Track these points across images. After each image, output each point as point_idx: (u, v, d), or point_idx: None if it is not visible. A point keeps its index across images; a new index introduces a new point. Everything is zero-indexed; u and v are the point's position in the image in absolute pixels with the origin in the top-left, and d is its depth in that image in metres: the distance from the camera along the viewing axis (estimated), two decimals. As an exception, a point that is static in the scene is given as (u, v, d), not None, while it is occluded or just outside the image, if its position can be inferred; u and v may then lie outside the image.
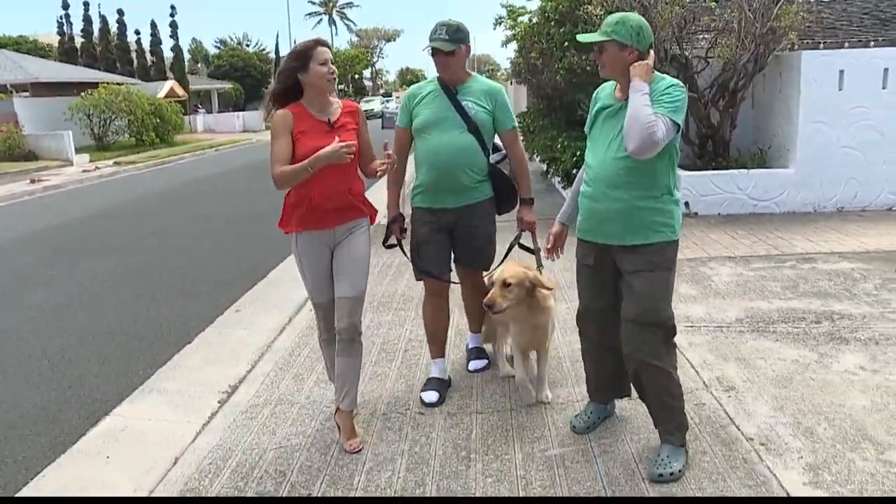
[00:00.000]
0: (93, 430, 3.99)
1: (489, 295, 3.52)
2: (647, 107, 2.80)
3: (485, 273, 4.01)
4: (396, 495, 3.05)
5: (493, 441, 3.46)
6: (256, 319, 5.78)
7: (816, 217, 8.30)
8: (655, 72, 2.96)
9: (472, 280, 4.07)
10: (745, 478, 2.97)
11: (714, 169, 8.72)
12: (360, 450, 3.46)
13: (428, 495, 3.02)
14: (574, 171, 8.75)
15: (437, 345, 4.12)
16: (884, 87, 8.33)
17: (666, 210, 3.00)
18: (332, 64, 3.38)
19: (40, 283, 7.45)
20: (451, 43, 3.62)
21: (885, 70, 8.29)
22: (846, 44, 14.88)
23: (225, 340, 5.37)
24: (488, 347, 4.45)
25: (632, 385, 3.27)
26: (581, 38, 3.18)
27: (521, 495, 2.97)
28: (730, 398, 3.74)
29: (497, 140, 3.91)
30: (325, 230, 3.42)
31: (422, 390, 4.03)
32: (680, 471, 3.01)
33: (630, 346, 3.05)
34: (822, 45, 14.56)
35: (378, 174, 3.45)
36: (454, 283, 4.02)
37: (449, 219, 3.80)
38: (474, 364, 4.31)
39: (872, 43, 15.12)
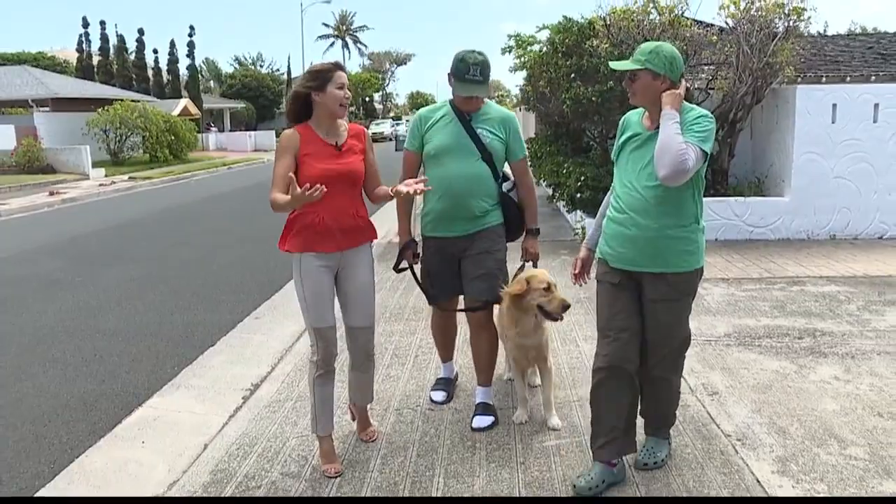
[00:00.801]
0: (127, 419, 4.35)
1: (563, 299, 3.52)
2: (678, 135, 2.83)
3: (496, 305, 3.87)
4: (409, 477, 3.39)
5: (496, 433, 3.80)
6: (275, 326, 6.14)
7: (810, 244, 8.67)
8: (684, 101, 3.00)
9: (476, 319, 3.88)
10: (721, 467, 3.32)
11: (713, 196, 9.10)
12: (376, 439, 3.76)
13: (437, 477, 3.37)
14: (578, 195, 9.15)
15: (447, 350, 4.32)
16: (874, 122, 8.73)
17: (693, 239, 3.03)
18: (348, 90, 3.37)
19: (69, 288, 7.85)
20: (486, 83, 3.64)
21: (876, 105, 8.70)
22: (848, 77, 15.34)
23: (246, 344, 5.74)
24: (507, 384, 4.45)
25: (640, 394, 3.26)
26: (615, 65, 3.19)
27: (520, 477, 3.32)
28: (712, 401, 4.09)
29: (506, 168, 3.92)
30: (330, 252, 3.37)
31: (431, 389, 4.33)
32: (663, 459, 3.33)
33: (650, 366, 3.18)
34: (824, 79, 15.02)
35: (411, 193, 3.27)
36: (462, 310, 3.98)
37: (460, 246, 3.78)
38: (479, 421, 3.87)
39: (873, 77, 15.57)
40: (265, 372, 5.01)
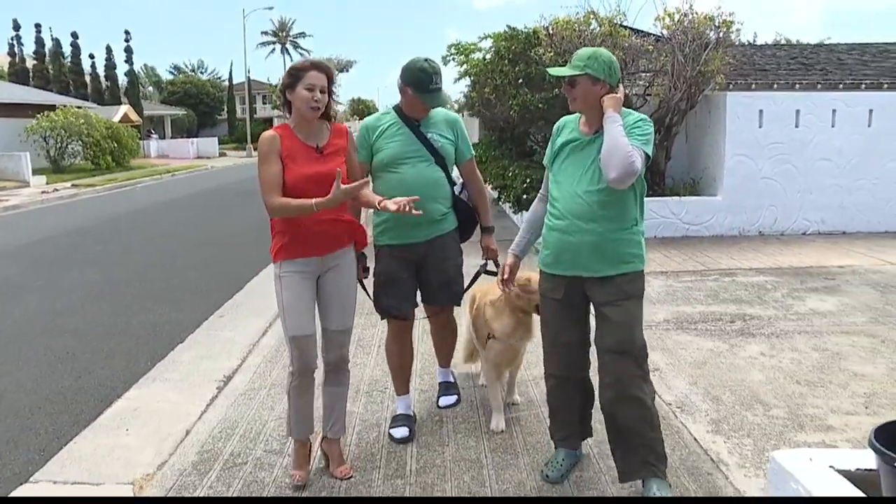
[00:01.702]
0: (109, 410, 4.56)
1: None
2: (624, 137, 2.83)
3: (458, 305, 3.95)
4: (384, 448, 3.73)
5: (461, 409, 4.17)
6: (240, 323, 6.38)
7: (741, 240, 9.31)
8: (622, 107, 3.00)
9: (439, 320, 4.05)
10: (664, 429, 3.71)
11: (651, 196, 9.66)
12: (352, 476, 3.44)
13: (410, 447, 3.71)
14: (524, 196, 9.60)
15: (403, 381, 4.05)
16: (796, 126, 9.44)
17: (636, 241, 3.05)
18: (323, 93, 3.17)
19: (30, 291, 7.91)
20: (443, 90, 3.66)
21: (797, 111, 9.41)
22: (775, 85, 16.22)
23: (214, 340, 5.98)
24: (468, 367, 4.62)
25: (606, 426, 3.18)
26: (553, 71, 3.17)
27: (485, 444, 3.69)
28: (654, 376, 4.47)
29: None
30: (313, 258, 3.28)
31: (390, 427, 3.95)
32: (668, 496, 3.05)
33: (609, 377, 3.06)
34: (753, 86, 15.87)
35: (390, 209, 3.17)
36: (419, 318, 3.97)
37: (418, 252, 3.74)
38: (445, 399, 4.24)
39: (797, 85, 16.50)
40: (236, 364, 5.27)
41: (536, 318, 3.53)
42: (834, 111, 9.52)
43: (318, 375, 3.50)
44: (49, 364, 5.50)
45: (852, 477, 2.54)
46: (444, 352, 4.27)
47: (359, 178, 3.35)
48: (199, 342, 5.95)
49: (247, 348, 5.63)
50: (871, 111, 9.53)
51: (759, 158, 9.48)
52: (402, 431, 3.86)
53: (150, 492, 3.45)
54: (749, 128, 9.43)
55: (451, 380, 4.35)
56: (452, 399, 4.22)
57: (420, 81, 3.57)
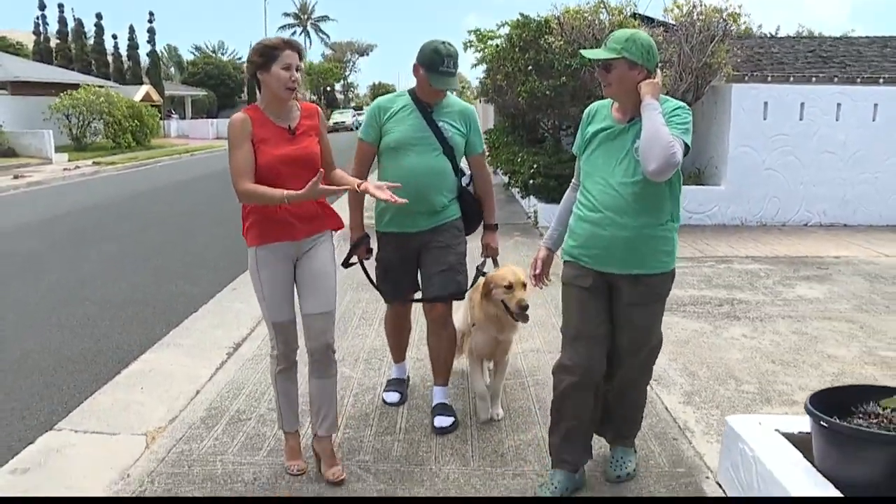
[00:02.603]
0: (126, 370, 4.89)
1: (521, 297, 3.47)
2: (665, 126, 2.66)
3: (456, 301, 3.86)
4: (377, 407, 4.01)
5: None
6: (251, 296, 6.51)
7: (742, 229, 9.50)
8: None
9: (438, 315, 3.79)
10: (638, 399, 4.01)
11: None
12: (343, 479, 3.26)
13: (402, 408, 4.00)
14: (530, 181, 9.83)
15: (399, 352, 4.21)
16: (800, 119, 9.58)
17: (670, 238, 2.92)
18: (300, 71, 3.07)
19: (52, 264, 8.27)
20: (456, 75, 3.59)
21: (802, 104, 9.56)
22: (791, 77, 16.27)
23: (226, 311, 6.29)
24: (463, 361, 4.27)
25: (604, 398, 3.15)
26: (588, 53, 2.98)
27: (469, 404, 3.97)
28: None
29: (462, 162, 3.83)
30: (289, 242, 3.19)
31: (384, 390, 4.20)
32: (634, 469, 3.19)
33: (621, 371, 3.05)
34: (769, 78, 15.94)
35: (374, 194, 3.12)
36: (421, 300, 3.82)
37: (419, 240, 3.69)
38: (440, 420, 3.77)
39: (814, 78, 16.53)
40: (245, 333, 5.57)
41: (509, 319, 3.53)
42: (839, 105, 9.66)
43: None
44: (71, 329, 5.84)
45: (793, 439, 2.81)
46: (441, 367, 3.90)
47: (331, 161, 3.30)
48: (211, 312, 6.26)
49: (256, 319, 5.92)
50: (875, 105, 9.66)
51: (763, 150, 9.65)
52: (393, 396, 4.08)
53: (161, 442, 3.75)
54: (754, 119, 9.60)
55: (448, 402, 3.92)
56: (449, 421, 3.75)
57: (432, 62, 3.49)
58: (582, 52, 3.21)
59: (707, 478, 3.22)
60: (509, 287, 3.50)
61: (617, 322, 2.98)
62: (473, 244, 3.91)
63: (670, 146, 2.61)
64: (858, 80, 15.37)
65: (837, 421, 2.42)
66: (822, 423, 2.44)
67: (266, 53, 3.03)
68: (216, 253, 8.88)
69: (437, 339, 3.84)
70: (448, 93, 3.71)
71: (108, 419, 4.12)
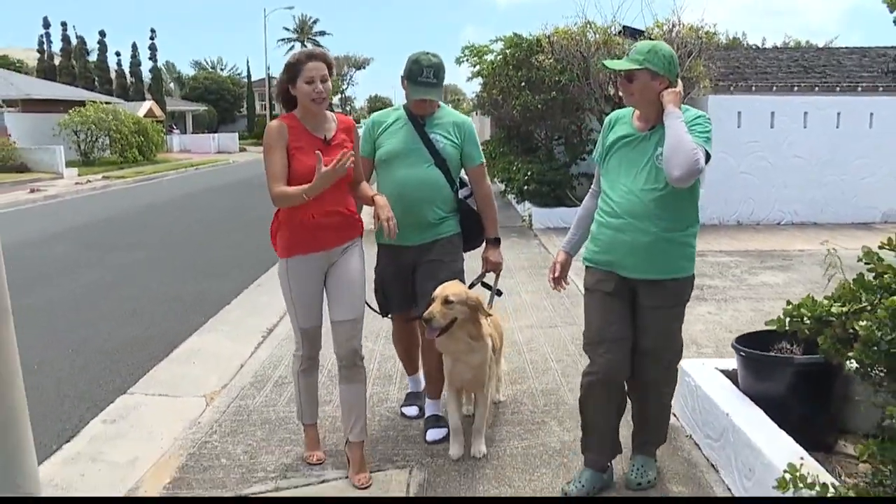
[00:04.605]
0: (177, 350, 5.68)
1: (428, 309, 3.26)
2: (688, 134, 2.73)
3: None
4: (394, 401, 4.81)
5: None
6: (276, 289, 7.18)
7: (719, 228, 10.35)
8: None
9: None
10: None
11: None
12: (369, 486, 3.34)
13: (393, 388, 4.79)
14: (525, 188, 10.68)
15: (412, 363, 4.17)
16: (771, 127, 10.46)
17: (689, 244, 2.99)
18: (325, 82, 3.13)
19: (85, 267, 9.07)
20: (440, 86, 3.56)
21: (772, 113, 10.43)
22: (774, 87, 17.24)
23: (255, 302, 7.09)
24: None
25: (629, 400, 3.24)
26: (611, 64, 3.09)
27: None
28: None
29: (463, 174, 3.80)
30: (321, 252, 3.26)
31: (402, 406, 4.22)
32: (655, 478, 3.24)
33: (644, 376, 3.09)
34: (754, 88, 16.90)
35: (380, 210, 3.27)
36: (417, 318, 3.64)
37: (412, 256, 3.65)
38: (433, 433, 3.80)
39: (796, 87, 17.48)
40: (276, 320, 6.37)
41: (470, 343, 3.39)
42: (806, 113, 10.53)
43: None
44: (118, 320, 6.63)
45: (727, 374, 3.63)
46: (433, 379, 3.88)
47: (361, 175, 3.41)
48: (242, 304, 7.07)
49: (284, 309, 6.70)
50: (839, 114, 10.54)
51: (738, 155, 10.51)
52: (412, 410, 4.14)
53: (219, 401, 4.55)
54: (729, 128, 10.44)
55: (441, 413, 3.91)
56: (442, 433, 3.77)
57: (411, 72, 3.52)
58: (605, 62, 3.39)
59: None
60: (433, 300, 3.32)
61: (639, 326, 3.02)
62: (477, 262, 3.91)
63: (694, 153, 2.69)
64: (837, 88, 16.31)
65: (751, 350, 3.24)
66: (741, 353, 3.27)
67: (290, 70, 3.15)
68: (236, 256, 9.69)
69: (429, 353, 3.77)
70: (443, 105, 3.73)
71: (171, 386, 4.92)
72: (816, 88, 16.68)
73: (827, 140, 10.54)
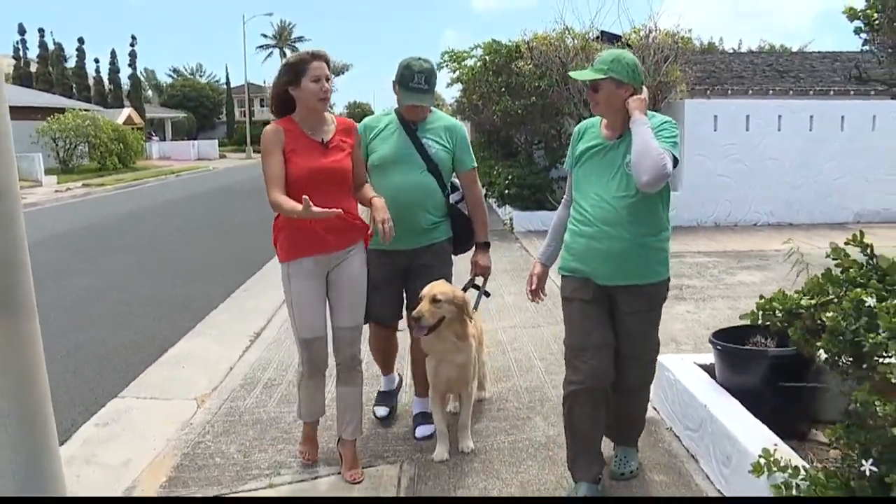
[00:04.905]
0: (167, 354, 5.74)
1: (417, 308, 3.33)
2: (654, 140, 2.77)
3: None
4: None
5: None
6: (262, 294, 7.56)
7: (697, 229, 10.56)
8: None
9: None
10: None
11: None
12: (361, 481, 3.41)
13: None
14: (506, 191, 10.83)
15: (388, 366, 4.20)
16: (747, 130, 10.70)
17: (663, 248, 3.04)
18: (328, 80, 3.15)
19: (75, 273, 9.09)
20: (431, 92, 3.58)
21: (747, 116, 10.67)
22: (750, 91, 17.57)
23: (242, 307, 7.17)
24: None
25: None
26: (575, 74, 3.12)
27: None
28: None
29: (454, 179, 3.81)
30: (321, 255, 3.24)
31: (374, 404, 4.19)
32: (637, 468, 3.36)
33: (626, 379, 3.13)
34: (729, 92, 17.21)
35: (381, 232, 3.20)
36: (401, 331, 3.89)
37: (404, 260, 3.67)
38: (421, 430, 3.91)
39: (771, 91, 17.83)
40: (263, 324, 6.45)
41: (455, 342, 3.48)
42: (780, 116, 10.77)
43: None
44: (110, 325, 6.68)
45: (705, 368, 3.77)
46: (421, 378, 3.90)
47: (363, 177, 3.44)
48: (229, 308, 7.14)
49: (271, 312, 6.80)
50: (811, 117, 10.79)
51: (715, 158, 10.73)
52: (382, 410, 4.15)
53: (210, 402, 4.62)
54: (705, 131, 10.67)
55: (429, 410, 3.93)
56: (431, 429, 3.85)
57: (402, 77, 3.54)
58: (571, 73, 3.40)
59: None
60: (421, 299, 3.40)
61: (619, 332, 3.06)
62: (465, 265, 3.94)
63: (661, 158, 2.73)
64: (811, 92, 16.60)
65: (727, 344, 3.39)
66: (718, 347, 3.41)
67: (294, 69, 3.13)
68: (221, 261, 9.75)
69: (418, 352, 3.77)
70: (435, 110, 3.75)
71: (162, 389, 4.99)
72: (791, 92, 16.98)
73: (801, 142, 10.78)
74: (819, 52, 22.48)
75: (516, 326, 5.84)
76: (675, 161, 2.83)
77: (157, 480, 3.55)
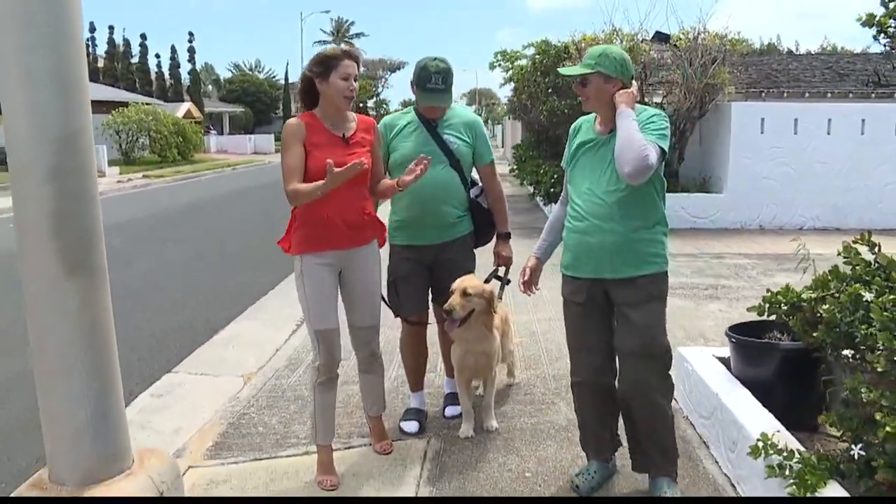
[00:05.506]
0: (217, 335, 6.11)
1: (449, 301, 3.46)
2: (637, 131, 2.77)
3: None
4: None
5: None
6: None
7: (741, 232, 10.55)
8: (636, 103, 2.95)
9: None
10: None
11: (663, 192, 10.98)
12: (391, 451, 3.64)
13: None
14: (552, 190, 10.99)
15: (418, 377, 4.13)
16: (795, 133, 10.63)
17: (658, 241, 3.01)
18: (357, 81, 3.19)
19: (136, 259, 9.62)
20: (448, 92, 3.64)
21: (795, 120, 10.60)
22: (806, 94, 17.32)
23: (290, 294, 7.29)
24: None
25: (622, 414, 3.23)
26: (564, 71, 3.15)
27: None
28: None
29: (473, 173, 3.88)
30: (336, 251, 3.26)
31: (401, 420, 4.05)
32: (678, 494, 3.11)
33: (628, 379, 3.04)
34: (786, 94, 17.00)
35: (407, 181, 3.25)
36: (431, 323, 3.97)
37: (429, 255, 3.73)
38: (451, 410, 4.10)
39: (829, 94, 17.53)
40: (309, 310, 6.77)
41: (483, 332, 3.65)
42: (829, 120, 10.67)
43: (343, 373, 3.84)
44: (165, 309, 7.10)
45: (723, 361, 3.92)
46: (449, 361, 4.04)
47: (381, 174, 3.48)
48: (278, 295, 7.48)
49: (316, 300, 7.13)
50: (863, 120, 10.65)
51: (761, 161, 10.69)
52: (412, 426, 3.94)
53: (256, 380, 4.94)
54: (752, 134, 10.64)
55: (456, 390, 4.04)
56: (459, 409, 3.98)
57: (419, 79, 3.60)
58: (560, 70, 3.44)
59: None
60: (452, 293, 3.53)
61: (619, 327, 3.03)
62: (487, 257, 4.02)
63: (642, 149, 2.72)
64: (873, 95, 16.24)
65: (741, 337, 3.54)
66: (732, 339, 3.57)
67: (325, 63, 3.13)
68: (273, 251, 10.07)
69: (448, 343, 3.88)
70: (453, 105, 3.79)
71: (212, 366, 5.34)
72: (850, 95, 16.61)
73: (851, 146, 10.66)
74: (879, 53, 21.87)
75: (551, 319, 6.02)
76: (664, 154, 2.85)
77: (204, 445, 3.88)
